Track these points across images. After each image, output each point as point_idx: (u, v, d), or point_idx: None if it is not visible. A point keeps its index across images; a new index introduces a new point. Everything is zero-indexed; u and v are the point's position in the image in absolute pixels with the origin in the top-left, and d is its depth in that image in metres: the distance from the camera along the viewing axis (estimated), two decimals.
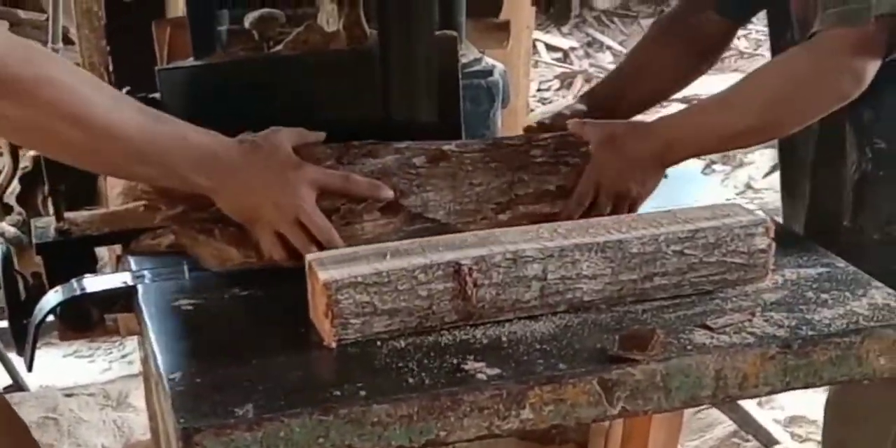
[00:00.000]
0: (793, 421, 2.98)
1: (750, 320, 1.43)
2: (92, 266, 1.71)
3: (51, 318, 1.61)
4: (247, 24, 1.69)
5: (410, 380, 1.31)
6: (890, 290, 1.51)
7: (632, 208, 1.69)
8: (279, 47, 1.66)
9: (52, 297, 1.59)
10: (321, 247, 1.50)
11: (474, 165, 1.64)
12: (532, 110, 5.83)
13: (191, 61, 1.67)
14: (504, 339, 1.41)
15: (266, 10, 1.71)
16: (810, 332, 1.41)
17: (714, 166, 4.67)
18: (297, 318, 1.44)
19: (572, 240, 1.46)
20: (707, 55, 1.98)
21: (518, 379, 1.32)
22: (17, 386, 3.40)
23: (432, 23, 1.58)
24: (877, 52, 1.61)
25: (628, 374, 1.34)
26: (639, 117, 1.91)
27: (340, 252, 1.44)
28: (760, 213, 1.54)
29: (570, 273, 1.45)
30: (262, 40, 1.69)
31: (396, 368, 1.33)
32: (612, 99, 1.90)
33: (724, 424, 2.97)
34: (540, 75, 6.10)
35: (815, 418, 2.85)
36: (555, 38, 6.34)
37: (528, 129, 1.83)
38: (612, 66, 6.17)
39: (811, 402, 2.92)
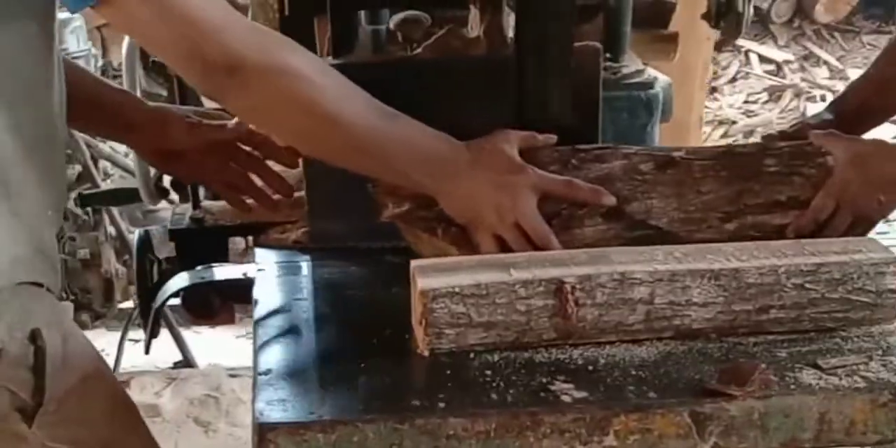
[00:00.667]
0: None
1: (866, 363, 1.35)
2: (223, 255, 1.74)
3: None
4: (391, 26, 1.70)
5: (493, 395, 1.29)
6: None
7: (866, 230, 1.62)
8: (419, 50, 1.66)
9: (175, 283, 1.64)
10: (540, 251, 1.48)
11: (703, 173, 1.58)
12: (734, 122, 5.70)
13: (329, 59, 1.68)
14: (601, 361, 1.37)
15: (411, 12, 1.71)
16: None
17: None
18: (404, 324, 1.44)
19: (686, 265, 1.40)
20: None
21: (604, 404, 1.28)
22: (186, 362, 3.53)
23: (571, 32, 1.54)
24: None
25: (723, 409, 1.28)
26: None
27: (446, 260, 1.42)
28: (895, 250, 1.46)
29: (679, 299, 1.39)
30: (405, 42, 1.69)
31: (483, 382, 1.31)
32: (858, 108, 1.82)
33: None
34: (749, 87, 5.94)
35: None
36: (770, 50, 6.17)
37: (766, 138, 1.76)
38: (825, 82, 5.99)
39: None
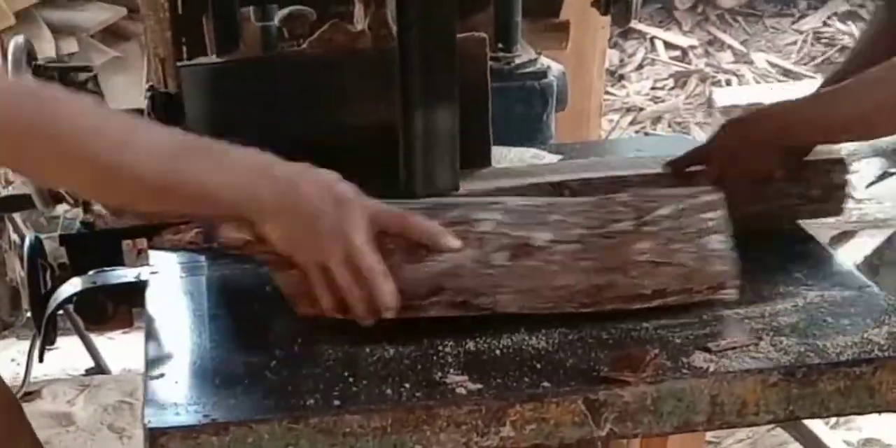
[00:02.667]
0: (866, 444, 2.87)
1: (756, 344, 1.37)
2: (117, 259, 1.72)
3: None
4: (276, 21, 1.68)
5: (388, 390, 1.28)
6: None
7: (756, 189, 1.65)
8: (304, 46, 1.65)
9: (67, 289, 1.61)
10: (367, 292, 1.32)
11: (562, 265, 1.40)
12: (641, 109, 5.74)
13: (213, 58, 1.66)
14: (495, 352, 1.36)
15: (295, 7, 1.69)
16: (817, 360, 1.33)
17: None
18: (298, 323, 1.43)
19: None
20: None
21: (498, 395, 1.28)
22: (99, 368, 3.48)
23: (454, 23, 1.53)
24: None
25: (616, 395, 1.29)
26: None
27: None
28: None
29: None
30: (291, 38, 1.68)
31: (377, 378, 1.31)
32: None
33: (798, 443, 2.87)
34: (655, 74, 5.98)
35: (891, 441, 2.75)
36: (675, 36, 6.22)
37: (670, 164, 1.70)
38: (730, 66, 6.04)
39: (889, 425, 2.81)
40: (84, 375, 3.52)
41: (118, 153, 1.22)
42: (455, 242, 1.34)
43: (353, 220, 1.29)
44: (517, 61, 2.05)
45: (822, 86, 1.84)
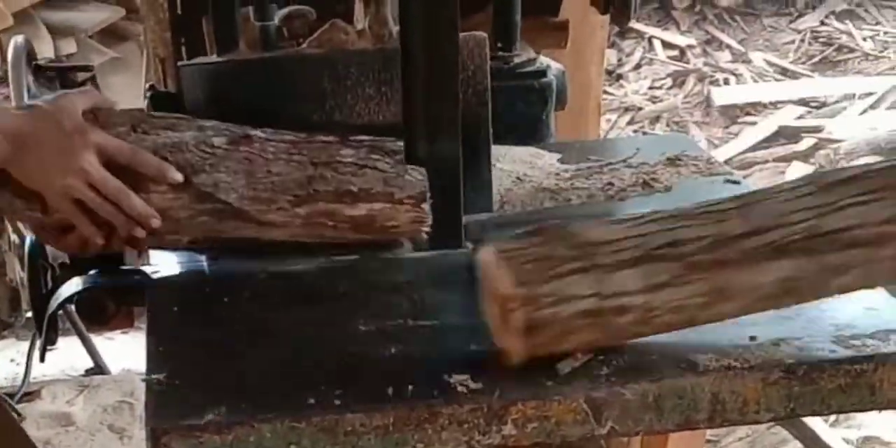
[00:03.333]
0: (866, 442, 2.87)
1: (757, 342, 1.37)
2: (117, 258, 1.72)
3: None
4: (276, 21, 1.68)
5: (390, 389, 1.28)
6: None
7: None
8: (304, 45, 1.65)
9: (67, 289, 1.61)
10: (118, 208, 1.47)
11: (276, 155, 1.55)
12: (640, 109, 5.74)
13: (213, 58, 1.66)
14: (494, 350, 1.36)
15: (295, 6, 1.70)
16: (818, 357, 1.34)
17: None
18: (300, 321, 1.43)
19: None
20: None
21: (500, 393, 1.28)
22: (98, 369, 3.48)
23: (455, 22, 1.54)
24: None
25: (618, 393, 1.30)
26: None
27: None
28: None
29: None
30: (291, 38, 1.68)
31: (378, 377, 1.31)
32: None
33: (797, 441, 2.87)
34: (654, 73, 5.99)
35: (890, 439, 2.75)
36: (673, 36, 6.23)
37: None
38: (728, 65, 6.05)
39: (889, 423, 2.81)
40: (84, 376, 3.51)
41: None
42: (178, 176, 1.47)
43: (80, 153, 1.43)
44: (517, 60, 2.04)
45: None
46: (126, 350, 3.62)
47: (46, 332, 1.62)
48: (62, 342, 3.33)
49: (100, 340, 3.60)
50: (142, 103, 1.88)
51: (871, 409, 1.38)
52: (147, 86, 1.91)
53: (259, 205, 1.54)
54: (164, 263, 1.64)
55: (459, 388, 1.28)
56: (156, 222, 1.48)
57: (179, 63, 1.71)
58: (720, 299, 1.28)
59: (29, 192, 1.47)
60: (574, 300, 1.25)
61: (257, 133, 1.56)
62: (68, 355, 3.56)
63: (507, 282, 1.25)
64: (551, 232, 1.29)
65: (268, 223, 1.54)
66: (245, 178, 1.53)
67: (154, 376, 1.32)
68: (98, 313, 1.63)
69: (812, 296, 1.32)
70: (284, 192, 1.55)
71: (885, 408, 1.38)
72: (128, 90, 4.26)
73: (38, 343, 1.64)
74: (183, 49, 2.23)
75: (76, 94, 1.49)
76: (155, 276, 1.60)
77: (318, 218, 1.56)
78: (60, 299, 1.60)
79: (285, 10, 1.71)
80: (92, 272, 1.64)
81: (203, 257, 1.65)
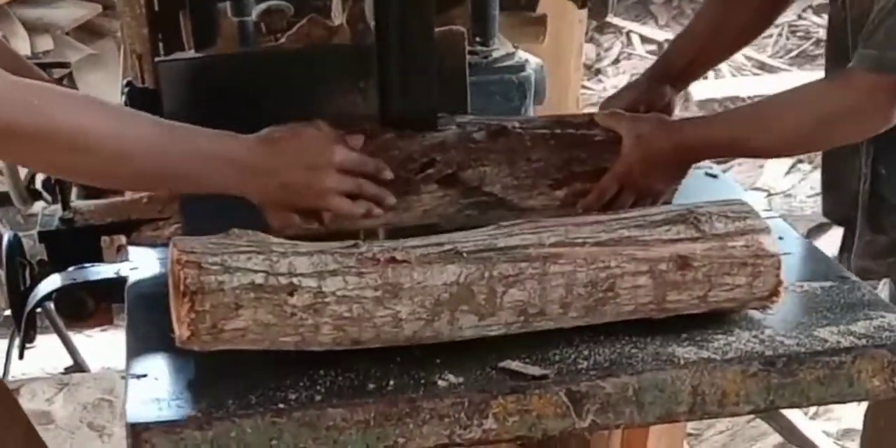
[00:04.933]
0: (845, 434, 2.88)
1: (736, 335, 1.37)
2: (96, 255, 1.71)
3: None
4: (253, 16, 1.68)
5: (370, 384, 1.29)
6: None
7: (653, 203, 1.66)
8: (282, 40, 1.65)
9: (46, 286, 1.61)
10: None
11: (533, 141, 1.63)
12: None
13: (191, 53, 1.66)
14: (474, 345, 1.36)
15: (273, 2, 1.69)
16: (797, 350, 1.34)
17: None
18: None
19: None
20: (772, 13, 1.98)
21: (481, 387, 1.28)
22: (78, 366, 3.46)
23: (431, 17, 1.54)
24: None
25: (598, 386, 1.30)
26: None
27: None
28: None
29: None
30: (268, 33, 1.68)
31: (358, 372, 1.31)
32: (679, 62, 1.92)
33: (777, 434, 2.88)
34: (632, 68, 5.99)
35: None
36: (651, 30, 6.23)
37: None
38: None
39: None
40: (63, 373, 3.50)
41: (114, 147, 1.34)
42: (392, 199, 1.52)
43: (328, 168, 1.45)
44: (495, 55, 2.04)
45: (654, 64, 1.96)
46: (105, 348, 3.60)
47: (25, 329, 1.62)
48: (41, 340, 3.30)
49: (79, 338, 3.58)
50: (119, 99, 1.88)
51: (850, 401, 1.39)
52: (124, 82, 1.91)
53: (521, 192, 1.61)
54: (142, 259, 1.64)
55: (440, 383, 1.29)
56: (391, 200, 1.52)
57: (157, 59, 1.70)
58: (392, 296, 1.31)
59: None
60: (242, 272, 1.28)
61: (512, 123, 1.63)
62: (47, 353, 3.54)
63: (175, 252, 1.29)
64: (237, 232, 1.34)
65: (528, 209, 1.60)
66: (508, 167, 1.60)
67: (134, 373, 1.32)
68: (77, 310, 1.62)
69: (490, 306, 1.34)
70: (545, 177, 1.62)
71: (863, 399, 1.39)
72: (105, 87, 4.25)
73: (17, 341, 1.63)
74: (160, 45, 2.22)
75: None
76: (133, 271, 1.59)
77: (575, 198, 1.62)
78: (39, 297, 1.59)
79: (263, 6, 1.70)
80: (70, 269, 1.63)
81: None
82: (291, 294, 1.29)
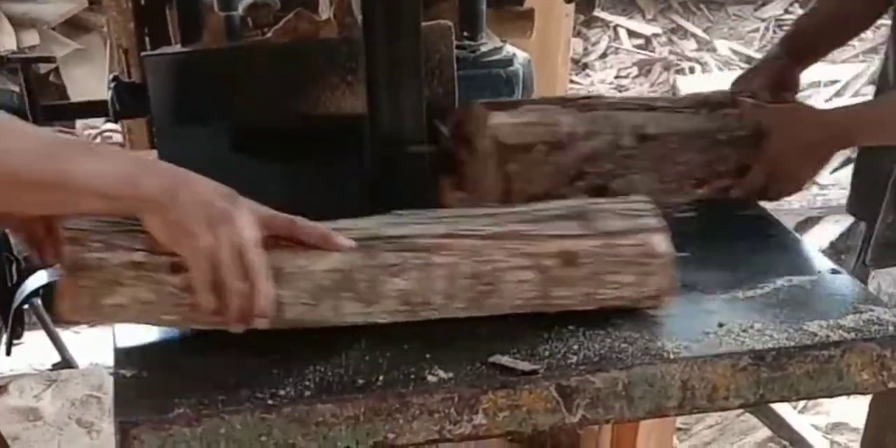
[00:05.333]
0: (834, 428, 2.88)
1: (725, 329, 1.37)
2: None
3: None
4: (240, 11, 1.67)
5: (360, 379, 1.28)
6: (887, 307, 1.42)
7: (796, 192, 1.73)
8: (269, 35, 1.64)
9: (33, 282, 1.60)
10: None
11: (680, 143, 1.65)
12: None
13: (178, 48, 1.66)
14: (461, 340, 1.36)
15: None
16: (787, 344, 1.34)
17: None
18: None
19: None
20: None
21: (471, 382, 1.28)
22: (66, 363, 3.45)
23: (419, 10, 1.53)
24: None
25: (588, 381, 1.30)
26: None
27: None
28: None
29: None
30: (255, 27, 1.68)
31: (347, 367, 1.30)
32: (808, 41, 1.93)
33: (766, 428, 2.89)
34: (619, 62, 5.99)
35: (858, 426, 2.76)
36: (638, 24, 6.23)
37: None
38: (693, 54, 6.07)
39: (856, 410, 2.82)
40: (51, 370, 3.49)
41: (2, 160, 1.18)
42: (347, 242, 1.33)
43: (243, 214, 1.26)
44: (483, 49, 2.04)
45: (782, 43, 1.96)
46: (93, 344, 3.60)
47: (12, 325, 1.61)
48: (29, 336, 3.31)
49: (67, 334, 3.57)
50: (106, 94, 1.87)
51: (839, 395, 1.39)
52: (111, 76, 1.90)
53: (665, 195, 1.62)
54: None
55: (430, 378, 1.28)
56: (262, 324, 1.30)
57: (143, 53, 1.70)
58: (278, 279, 1.30)
59: None
60: (122, 250, 1.28)
61: (651, 129, 1.63)
62: (35, 349, 3.54)
63: (61, 229, 1.29)
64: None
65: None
66: (656, 173, 1.64)
67: (123, 369, 1.31)
68: None
69: (373, 295, 1.33)
70: (689, 178, 1.66)
71: (853, 393, 1.39)
72: (91, 82, 4.23)
73: (5, 337, 1.62)
74: (146, 39, 2.22)
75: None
76: None
77: (713, 195, 1.67)
78: (26, 293, 1.58)
79: (249, 0, 1.70)
80: (57, 264, 1.62)
81: None
82: (172, 273, 1.28)
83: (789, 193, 1.70)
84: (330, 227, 1.33)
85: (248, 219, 1.26)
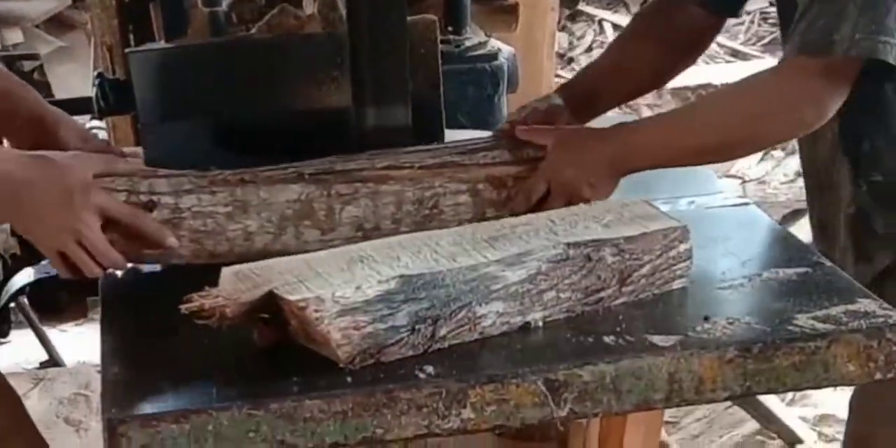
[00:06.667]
0: (822, 420, 2.89)
1: (712, 322, 1.38)
2: None
3: None
4: (224, 6, 1.67)
5: (348, 375, 1.28)
6: (874, 298, 1.43)
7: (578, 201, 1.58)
8: (253, 30, 1.64)
9: (20, 280, 1.59)
10: (103, 268, 1.46)
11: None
12: None
13: (162, 44, 1.65)
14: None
15: None
16: (773, 336, 1.35)
17: None
18: None
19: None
20: (690, 50, 1.87)
21: (458, 377, 1.28)
22: (53, 361, 3.44)
23: (403, 6, 1.53)
24: (842, 83, 1.53)
25: (575, 375, 1.30)
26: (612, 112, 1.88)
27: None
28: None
29: None
30: (240, 23, 1.67)
31: (334, 363, 1.30)
32: (589, 93, 1.80)
33: (754, 421, 2.89)
34: None
35: (845, 417, 2.76)
36: (623, 18, 6.23)
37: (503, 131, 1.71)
38: None
39: (843, 402, 2.83)
40: (38, 368, 3.48)
41: None
42: (174, 241, 1.48)
43: (80, 212, 1.42)
44: (467, 44, 2.04)
45: (566, 88, 1.82)
46: (80, 342, 3.59)
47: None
48: (15, 335, 3.30)
49: (53, 333, 3.56)
50: (90, 91, 1.87)
51: (826, 386, 1.39)
52: (95, 73, 1.89)
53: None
54: None
55: (418, 373, 1.28)
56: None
57: (128, 50, 1.69)
58: (241, 211, 1.50)
59: None
60: (111, 191, 1.44)
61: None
62: (22, 348, 3.53)
63: None
64: None
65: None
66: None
67: (110, 367, 1.31)
68: (51, 304, 1.61)
69: (330, 222, 1.54)
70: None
71: (839, 384, 1.40)
72: (75, 79, 4.22)
73: None
74: (131, 36, 2.21)
75: (92, 156, 1.49)
76: None
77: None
78: (12, 291, 1.58)
79: None
80: (44, 262, 1.62)
81: None
82: (151, 210, 1.47)
83: (575, 202, 1.56)
84: (285, 165, 1.52)
85: (87, 215, 1.42)
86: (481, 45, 2.05)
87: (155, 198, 1.46)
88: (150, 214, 1.45)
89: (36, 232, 1.43)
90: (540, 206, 1.57)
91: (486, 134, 1.74)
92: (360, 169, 1.54)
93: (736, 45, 6.07)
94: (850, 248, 1.74)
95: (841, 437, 2.76)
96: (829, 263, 1.54)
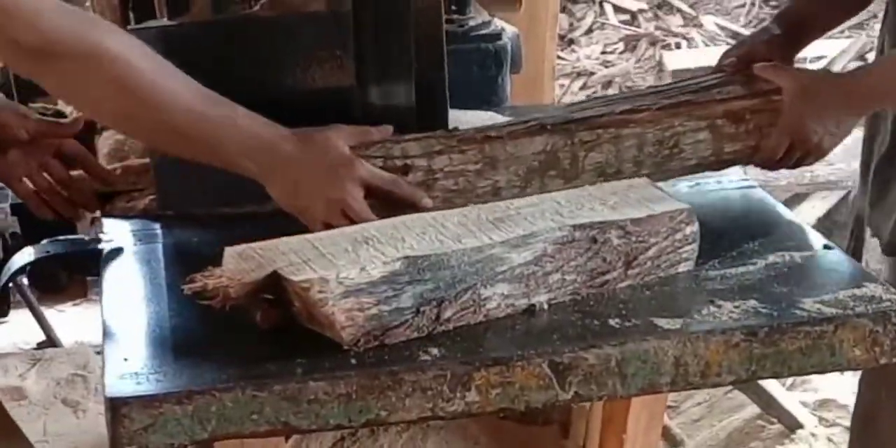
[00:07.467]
0: (822, 404, 2.88)
1: (718, 306, 1.37)
2: (70, 227, 1.69)
3: None
4: None
5: (352, 357, 1.27)
6: (880, 283, 1.42)
7: (817, 160, 1.68)
8: (256, 8, 1.62)
9: (19, 259, 1.58)
10: None
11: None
12: (592, 74, 5.74)
13: (164, 21, 1.63)
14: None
15: None
16: (779, 320, 1.34)
17: None
18: None
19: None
20: None
21: (463, 359, 1.27)
22: (51, 342, 3.43)
23: None
24: None
25: (581, 358, 1.29)
26: None
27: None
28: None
29: None
30: (243, 1, 1.65)
31: (339, 345, 1.29)
32: (802, 19, 1.85)
33: (754, 405, 2.89)
34: (605, 38, 5.97)
35: (846, 403, 2.76)
36: (624, 0, 6.22)
37: (717, 66, 1.76)
38: (679, 30, 6.05)
39: (844, 387, 2.83)
40: (36, 349, 3.47)
41: (155, 85, 1.39)
42: (429, 201, 1.49)
43: (345, 184, 1.45)
44: (471, 24, 2.03)
45: (781, 17, 1.88)
46: (78, 322, 3.58)
47: None
48: (13, 315, 3.29)
49: (51, 313, 3.56)
50: None
51: (832, 371, 1.39)
52: None
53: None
54: (116, 231, 1.61)
55: (423, 355, 1.27)
56: None
57: (129, 27, 1.67)
58: (490, 168, 1.53)
59: None
60: (365, 158, 1.48)
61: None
62: (20, 328, 3.52)
63: None
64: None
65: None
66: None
67: (111, 345, 1.30)
68: (51, 283, 1.60)
69: (574, 170, 1.56)
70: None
71: (845, 369, 1.39)
72: None
73: None
74: (131, 13, 2.19)
75: (347, 129, 1.50)
76: (108, 243, 1.57)
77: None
78: (12, 270, 1.57)
79: None
80: (44, 242, 1.61)
81: (157, 226, 1.63)
82: (406, 173, 1.50)
83: (812, 161, 1.66)
84: (525, 119, 1.58)
85: (354, 187, 1.45)
86: (485, 24, 2.03)
87: (409, 161, 1.50)
88: (406, 178, 1.49)
89: (301, 205, 1.45)
90: (783, 160, 1.64)
91: (490, 113, 1.74)
92: (599, 115, 1.57)
93: (736, 27, 6.05)
94: None
95: (841, 421, 2.77)
96: (836, 247, 1.53)
